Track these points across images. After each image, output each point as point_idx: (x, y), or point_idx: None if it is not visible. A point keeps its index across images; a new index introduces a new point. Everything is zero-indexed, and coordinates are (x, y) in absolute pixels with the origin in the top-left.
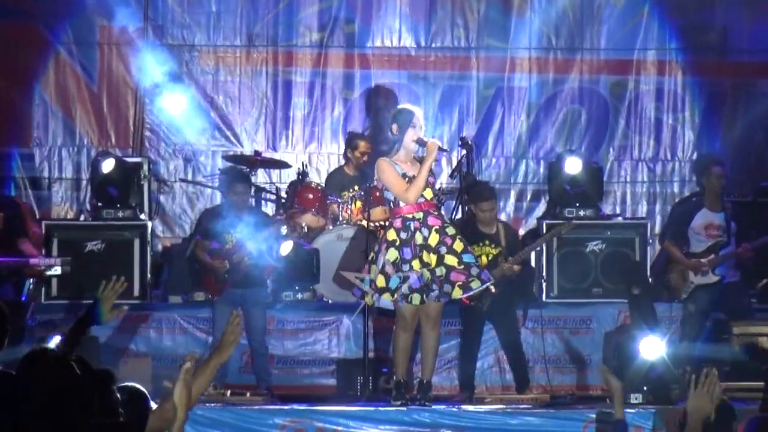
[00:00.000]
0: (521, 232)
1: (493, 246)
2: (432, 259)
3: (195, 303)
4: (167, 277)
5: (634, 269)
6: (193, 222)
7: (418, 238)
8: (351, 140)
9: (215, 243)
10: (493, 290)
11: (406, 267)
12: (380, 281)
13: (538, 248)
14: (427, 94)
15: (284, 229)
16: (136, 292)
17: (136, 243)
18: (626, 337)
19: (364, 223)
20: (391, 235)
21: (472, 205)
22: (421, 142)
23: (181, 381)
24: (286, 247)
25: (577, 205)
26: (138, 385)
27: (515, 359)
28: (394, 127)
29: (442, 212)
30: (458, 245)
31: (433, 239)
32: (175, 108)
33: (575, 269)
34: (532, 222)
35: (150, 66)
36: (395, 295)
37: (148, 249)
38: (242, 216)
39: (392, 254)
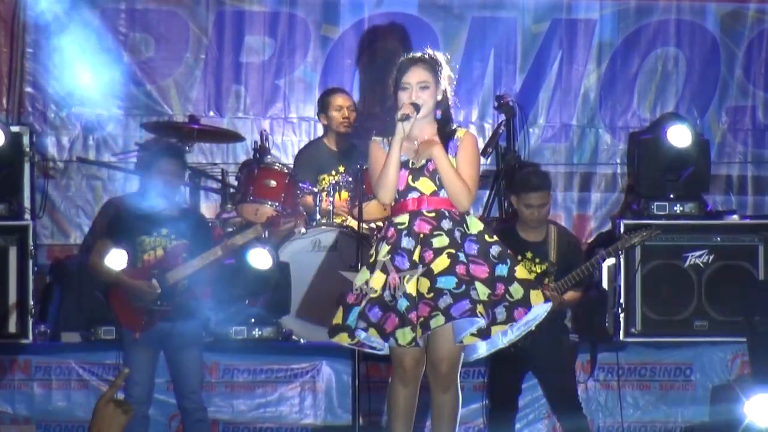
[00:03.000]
0: (587, 238)
1: (538, 261)
2: (412, 283)
3: (100, 343)
4: (59, 305)
5: (757, 292)
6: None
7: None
8: (322, 97)
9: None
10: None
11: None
12: (337, 315)
13: (603, 263)
14: (447, 31)
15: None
16: (12, 327)
17: (12, 253)
18: (744, 394)
19: (354, 223)
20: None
21: (514, 198)
22: (417, 109)
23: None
24: (263, 259)
25: (672, 196)
26: None
27: (570, 419)
28: (392, 91)
29: (468, 218)
30: (441, 263)
31: (417, 253)
32: (71, 51)
33: (668, 293)
34: (602, 221)
35: None
36: (354, 336)
37: (30, 263)
38: (173, 210)
39: (362, 275)
